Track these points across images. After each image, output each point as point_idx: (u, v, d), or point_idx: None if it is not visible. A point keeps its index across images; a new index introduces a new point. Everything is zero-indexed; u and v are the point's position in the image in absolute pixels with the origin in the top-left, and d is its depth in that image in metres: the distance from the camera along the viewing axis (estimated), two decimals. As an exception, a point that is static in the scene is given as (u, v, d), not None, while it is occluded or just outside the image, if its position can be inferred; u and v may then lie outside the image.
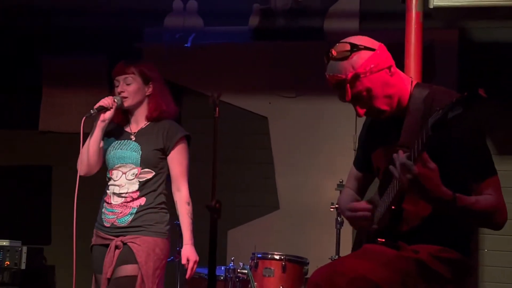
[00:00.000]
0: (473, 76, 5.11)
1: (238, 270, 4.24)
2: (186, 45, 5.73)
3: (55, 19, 5.90)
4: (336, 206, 4.24)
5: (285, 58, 5.49)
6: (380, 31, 5.06)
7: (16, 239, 4.95)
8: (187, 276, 3.69)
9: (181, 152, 3.74)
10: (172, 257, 4.36)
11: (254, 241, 4.65)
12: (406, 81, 2.61)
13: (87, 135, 3.68)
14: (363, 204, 2.67)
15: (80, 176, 3.63)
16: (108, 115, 3.63)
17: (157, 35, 5.86)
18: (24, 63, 5.54)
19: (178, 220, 4.40)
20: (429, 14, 4.24)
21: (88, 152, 3.67)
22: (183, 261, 3.67)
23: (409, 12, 3.95)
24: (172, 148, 3.70)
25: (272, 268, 4.38)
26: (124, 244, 3.58)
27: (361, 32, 5.11)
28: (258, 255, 4.42)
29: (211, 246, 2.78)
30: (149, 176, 3.66)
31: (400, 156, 2.30)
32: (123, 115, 3.80)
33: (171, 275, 4.52)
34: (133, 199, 3.63)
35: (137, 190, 3.63)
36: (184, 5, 5.80)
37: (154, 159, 3.67)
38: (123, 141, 3.73)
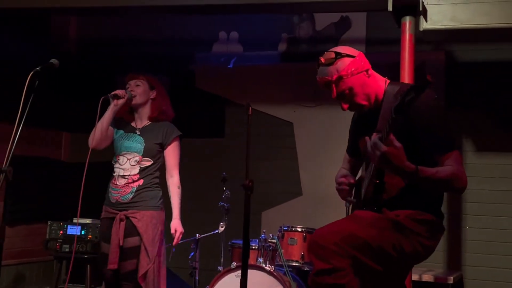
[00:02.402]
0: (457, 90, 5.09)
1: (268, 240, 4.29)
2: (229, 66, 5.83)
3: (128, 47, 6.11)
4: (345, 189, 4.33)
5: (307, 76, 5.26)
6: (382, 53, 5.10)
7: (96, 218, 5.14)
8: (174, 243, 3.75)
9: (175, 147, 3.81)
10: (216, 231, 4.44)
11: (282, 220, 4.75)
12: (381, 81, 2.62)
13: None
14: (344, 180, 2.70)
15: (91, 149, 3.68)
16: (120, 102, 3.72)
17: (206, 59, 5.94)
18: (102, 81, 5.70)
19: (223, 201, 4.53)
20: (420, 40, 4.21)
21: (99, 129, 3.71)
22: (172, 231, 3.73)
23: (403, 34, 3.93)
24: (169, 144, 3.79)
25: (295, 238, 4.43)
26: (127, 218, 3.66)
27: (367, 54, 5.21)
28: (284, 228, 4.49)
29: (245, 217, 2.88)
30: (148, 163, 3.74)
31: (372, 138, 2.32)
32: (131, 114, 3.89)
33: (216, 246, 4.60)
34: (134, 181, 3.70)
35: (137, 174, 3.71)
36: (228, 35, 5.88)
37: (154, 151, 3.76)
38: (129, 133, 3.82)
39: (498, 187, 5.02)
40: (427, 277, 4.59)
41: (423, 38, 4.39)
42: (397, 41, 4.04)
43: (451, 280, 4.56)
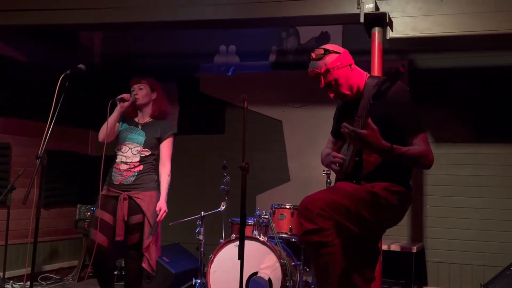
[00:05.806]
0: (418, 93, 5.02)
1: (262, 216, 4.31)
2: (228, 74, 5.82)
3: (144, 58, 6.10)
4: (327, 172, 4.28)
5: (293, 81, 5.53)
6: (356, 62, 5.08)
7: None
8: (157, 220, 3.63)
9: (169, 142, 3.77)
10: (218, 209, 4.42)
11: (274, 202, 4.69)
12: (362, 74, 2.63)
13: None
14: (340, 155, 2.64)
15: (101, 142, 3.67)
16: (125, 104, 3.70)
17: (209, 68, 5.92)
18: (122, 87, 5.71)
19: (223, 185, 4.49)
20: (386, 50, 4.12)
21: (108, 125, 3.66)
22: (157, 209, 3.63)
23: (373, 42, 3.92)
24: (165, 139, 3.75)
25: (284, 214, 4.44)
26: (130, 198, 3.62)
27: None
28: (275, 206, 4.49)
29: (242, 193, 2.88)
30: (147, 153, 3.71)
31: (348, 125, 2.29)
32: (135, 111, 3.87)
33: (218, 224, 4.60)
34: (135, 166, 3.67)
35: (138, 161, 3.68)
36: (227, 48, 5.86)
37: (152, 143, 3.73)
38: (133, 127, 3.79)
39: (453, 172, 5.03)
40: (395, 247, 4.59)
41: (389, 48, 4.36)
42: (368, 52, 4.02)
43: (414, 249, 4.57)
